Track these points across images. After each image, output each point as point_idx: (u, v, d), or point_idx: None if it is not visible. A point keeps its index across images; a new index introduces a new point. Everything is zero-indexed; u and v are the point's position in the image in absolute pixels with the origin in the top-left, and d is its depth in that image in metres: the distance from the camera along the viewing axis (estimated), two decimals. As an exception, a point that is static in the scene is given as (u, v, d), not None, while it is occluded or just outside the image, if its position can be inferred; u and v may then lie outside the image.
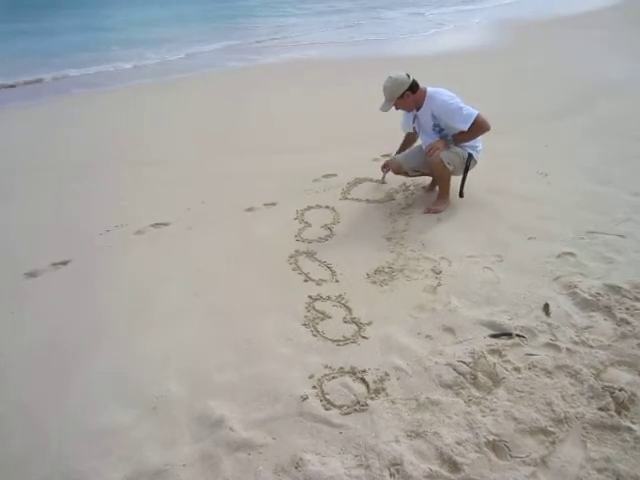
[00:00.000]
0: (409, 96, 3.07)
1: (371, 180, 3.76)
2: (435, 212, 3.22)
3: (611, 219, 3.02)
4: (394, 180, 3.69)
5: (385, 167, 3.54)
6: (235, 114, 5.65)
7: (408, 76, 3.07)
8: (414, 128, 3.32)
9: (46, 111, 6.29)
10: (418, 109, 3.14)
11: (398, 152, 3.50)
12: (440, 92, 3.07)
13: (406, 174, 3.46)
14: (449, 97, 3.03)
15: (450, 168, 3.18)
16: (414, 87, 3.07)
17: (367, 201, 3.44)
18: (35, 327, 2.41)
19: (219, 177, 3.97)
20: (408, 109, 3.17)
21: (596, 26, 10.03)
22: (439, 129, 3.11)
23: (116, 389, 2.02)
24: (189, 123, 5.44)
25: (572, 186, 3.46)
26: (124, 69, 9.18)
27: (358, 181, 3.74)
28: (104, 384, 2.05)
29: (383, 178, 3.65)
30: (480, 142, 3.26)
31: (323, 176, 3.86)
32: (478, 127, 2.99)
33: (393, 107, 3.13)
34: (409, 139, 3.53)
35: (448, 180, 3.28)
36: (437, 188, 3.41)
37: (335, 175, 3.85)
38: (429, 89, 3.10)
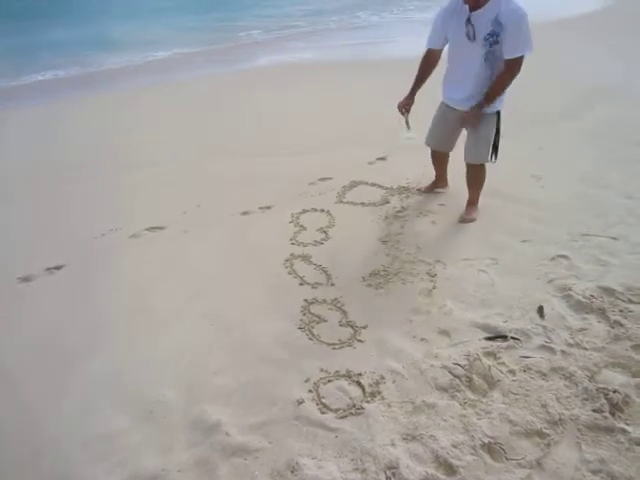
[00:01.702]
0: None
1: (366, 183, 3.76)
2: (471, 221, 3.10)
3: (604, 222, 3.04)
4: (389, 182, 3.70)
5: (404, 107, 3.05)
6: (229, 117, 5.65)
7: None
8: (454, 41, 2.79)
9: (38, 113, 6.26)
10: (476, 8, 2.60)
11: (415, 83, 3.03)
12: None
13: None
14: (525, 14, 2.54)
15: (492, 161, 2.98)
16: None
17: (362, 204, 3.45)
18: (29, 332, 2.40)
19: (214, 180, 3.96)
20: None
21: (593, 28, 10.10)
22: (493, 41, 2.61)
23: (112, 394, 2.02)
24: (184, 125, 5.43)
25: (566, 189, 3.48)
26: (115, 70, 9.16)
27: (353, 184, 3.75)
28: (100, 389, 2.04)
29: (407, 123, 3.10)
30: None
31: (319, 179, 3.86)
32: (516, 66, 2.62)
33: None
34: (429, 63, 2.97)
35: (483, 182, 3.13)
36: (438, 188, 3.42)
37: (330, 178, 3.86)
38: None
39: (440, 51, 2.94)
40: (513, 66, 2.63)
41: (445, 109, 3.07)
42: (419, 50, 3.04)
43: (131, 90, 7.38)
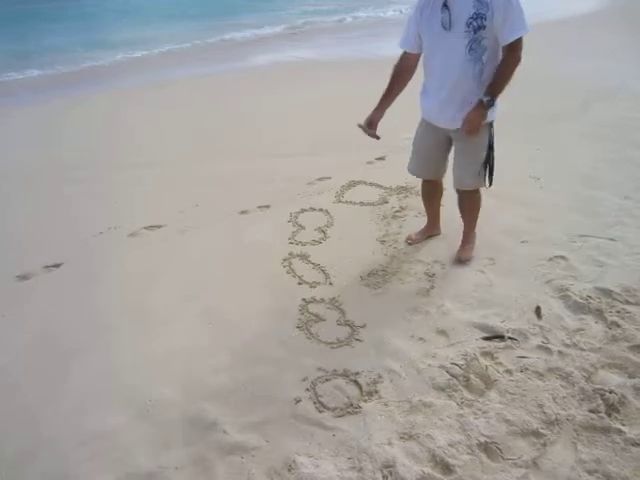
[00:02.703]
0: None
1: (365, 183, 3.77)
2: (468, 259, 2.69)
3: (602, 222, 3.04)
4: (387, 182, 3.70)
5: (367, 125, 2.55)
6: (228, 116, 5.64)
7: None
8: (427, 35, 2.28)
9: (34, 111, 6.25)
10: None
11: (385, 94, 2.53)
12: None
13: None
14: None
15: (487, 186, 2.51)
16: None
17: (361, 204, 3.45)
18: (27, 329, 2.40)
19: (213, 179, 3.96)
20: None
21: (589, 28, 10.12)
22: (477, 27, 2.13)
23: (109, 392, 2.02)
24: (182, 124, 5.42)
25: (564, 189, 3.49)
26: (112, 67, 9.14)
27: (352, 184, 3.75)
28: (97, 387, 2.04)
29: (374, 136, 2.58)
30: None
31: (317, 179, 3.86)
32: (519, 50, 2.17)
33: None
34: (402, 70, 2.47)
35: (478, 210, 2.67)
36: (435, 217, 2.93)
37: (329, 178, 3.86)
38: None
39: (417, 56, 2.43)
40: (515, 51, 2.17)
41: (426, 126, 2.53)
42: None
43: (129, 88, 7.36)
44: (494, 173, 2.49)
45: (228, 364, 2.12)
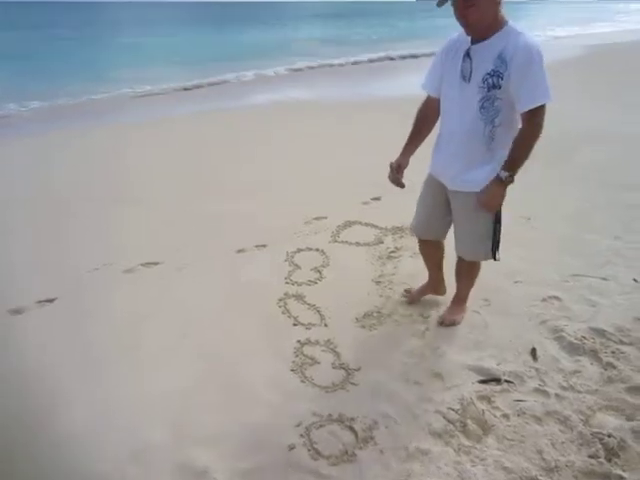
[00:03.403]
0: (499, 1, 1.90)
1: (361, 223, 3.82)
2: (453, 324, 2.52)
3: (593, 262, 3.09)
4: (383, 222, 3.75)
5: (395, 172, 2.36)
6: (225, 154, 5.76)
7: None
8: (447, 81, 2.11)
9: (32, 143, 6.36)
10: (480, 39, 1.96)
11: (409, 140, 2.35)
12: (527, 35, 1.94)
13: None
14: (540, 51, 1.90)
15: (496, 258, 2.29)
16: None
17: (357, 244, 3.48)
18: (16, 365, 2.36)
19: (211, 217, 4.00)
20: (479, 23, 1.91)
21: (574, 74, 10.52)
22: (491, 84, 1.94)
23: (97, 433, 1.97)
24: (179, 162, 5.51)
25: (555, 230, 3.55)
26: (110, 103, 9.37)
27: (348, 224, 3.80)
28: (85, 427, 2.00)
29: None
30: None
31: (314, 218, 3.91)
32: (539, 120, 1.93)
33: (459, 6, 1.89)
34: (425, 114, 2.30)
35: (475, 277, 2.51)
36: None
37: (325, 218, 3.91)
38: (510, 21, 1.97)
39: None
40: (534, 120, 1.92)
41: (431, 182, 2.34)
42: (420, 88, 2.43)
43: (129, 124, 7.54)
44: (499, 247, 2.27)
45: (221, 407, 2.08)
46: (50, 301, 2.90)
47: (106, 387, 2.22)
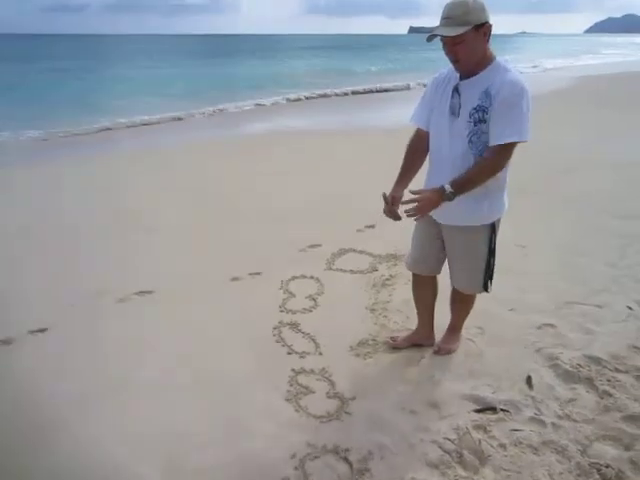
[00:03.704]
0: (485, 35, 1.93)
1: (355, 251, 3.84)
2: (448, 353, 2.51)
3: (588, 290, 3.10)
4: (377, 250, 3.77)
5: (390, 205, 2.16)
6: (218, 183, 5.82)
7: None
8: (437, 115, 2.12)
9: (31, 173, 6.40)
10: (468, 75, 1.99)
11: (401, 173, 2.25)
12: (514, 71, 1.98)
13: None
14: (525, 89, 1.92)
15: (488, 291, 2.30)
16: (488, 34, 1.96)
17: (351, 272, 3.50)
18: (3, 397, 2.32)
19: (205, 245, 4.02)
20: (467, 59, 1.94)
21: (563, 105, 10.80)
22: (477, 119, 1.96)
23: (86, 469, 1.92)
24: (175, 190, 5.55)
25: (548, 258, 3.58)
26: (111, 132, 9.50)
27: (342, 251, 3.82)
28: (73, 463, 1.95)
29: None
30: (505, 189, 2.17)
31: (308, 246, 3.93)
32: (503, 155, 1.95)
33: (450, 40, 1.89)
34: (415, 147, 2.25)
35: (470, 308, 2.49)
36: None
37: (320, 245, 3.94)
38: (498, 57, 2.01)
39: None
40: (497, 154, 1.95)
41: (425, 218, 2.19)
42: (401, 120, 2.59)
43: (127, 152, 7.62)
44: (492, 279, 2.27)
45: (214, 440, 2.05)
46: (42, 331, 2.86)
47: (97, 420, 2.18)
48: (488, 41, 1.95)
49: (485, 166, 1.98)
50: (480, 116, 1.96)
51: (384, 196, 2.14)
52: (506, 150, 1.94)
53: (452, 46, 1.91)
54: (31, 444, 2.06)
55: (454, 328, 2.56)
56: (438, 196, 1.99)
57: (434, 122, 2.15)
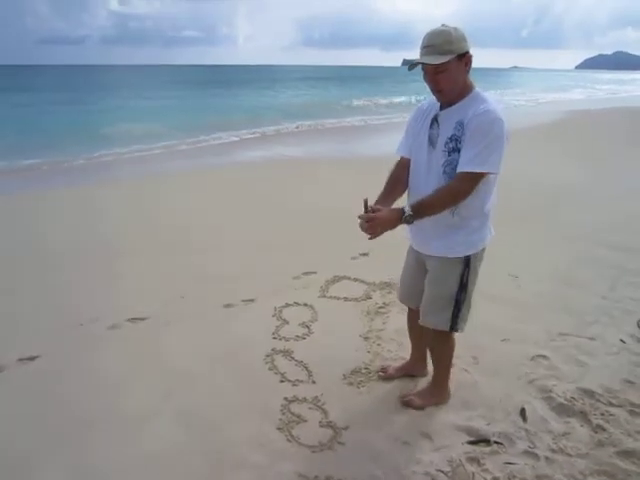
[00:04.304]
0: (466, 65, 1.92)
1: (349, 278, 3.85)
2: (415, 407, 2.33)
3: (581, 321, 3.12)
4: (371, 277, 3.78)
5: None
6: (212, 209, 5.85)
7: None
8: (416, 147, 2.11)
9: (17, 201, 6.40)
10: (448, 104, 1.98)
11: (382, 194, 2.15)
12: (491, 101, 1.95)
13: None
14: (497, 119, 1.88)
15: (456, 329, 2.18)
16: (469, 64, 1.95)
17: (345, 299, 3.50)
18: None
19: (198, 272, 4.01)
20: (449, 89, 1.93)
21: (550, 138, 11.05)
22: (451, 149, 1.95)
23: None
24: (166, 216, 5.56)
25: (541, 288, 3.60)
26: (100, 162, 9.52)
27: (336, 279, 3.83)
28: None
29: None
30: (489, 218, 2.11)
31: (302, 273, 3.94)
32: (463, 184, 1.90)
33: (435, 68, 1.88)
34: (397, 175, 2.20)
35: (445, 356, 2.34)
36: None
37: (314, 272, 3.94)
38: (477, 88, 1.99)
39: None
40: (459, 181, 1.90)
41: (412, 251, 2.30)
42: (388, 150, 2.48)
43: (115, 180, 7.63)
44: (464, 318, 2.16)
45: (203, 471, 2.00)
46: (32, 359, 2.82)
47: (84, 450, 2.13)
48: (468, 71, 1.95)
49: (446, 192, 1.93)
50: (454, 145, 1.93)
51: (365, 203, 1.97)
52: (470, 178, 1.89)
53: (434, 75, 1.90)
54: (17, 473, 2.01)
55: (434, 383, 2.41)
56: (396, 217, 1.91)
57: (414, 155, 2.14)
